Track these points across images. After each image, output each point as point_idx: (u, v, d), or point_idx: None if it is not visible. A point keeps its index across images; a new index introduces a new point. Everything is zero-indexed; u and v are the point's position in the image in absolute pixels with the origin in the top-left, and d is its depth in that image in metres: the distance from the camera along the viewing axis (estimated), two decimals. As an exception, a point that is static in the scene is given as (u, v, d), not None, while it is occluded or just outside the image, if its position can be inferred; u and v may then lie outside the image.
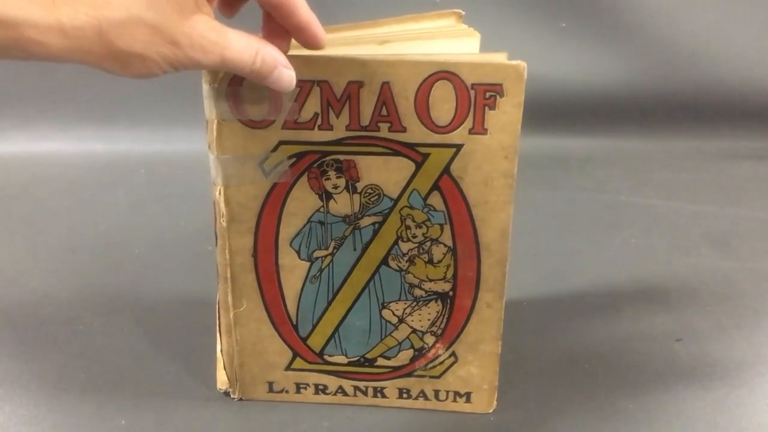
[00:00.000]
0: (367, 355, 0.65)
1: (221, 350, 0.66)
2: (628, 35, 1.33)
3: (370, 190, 0.58)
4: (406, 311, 0.63)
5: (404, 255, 0.60)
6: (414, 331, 0.64)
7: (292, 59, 0.52)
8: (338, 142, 0.56)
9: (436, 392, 0.66)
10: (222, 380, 0.68)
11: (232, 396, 0.68)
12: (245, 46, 0.48)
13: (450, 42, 0.61)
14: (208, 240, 0.64)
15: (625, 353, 0.74)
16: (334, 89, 0.54)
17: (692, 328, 0.79)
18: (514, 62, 0.53)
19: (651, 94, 1.34)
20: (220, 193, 0.59)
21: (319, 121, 0.56)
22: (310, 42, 0.52)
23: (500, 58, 0.53)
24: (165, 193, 1.12)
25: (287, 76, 0.51)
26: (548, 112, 1.29)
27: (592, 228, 1.02)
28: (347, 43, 0.59)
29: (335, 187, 0.58)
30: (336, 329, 0.64)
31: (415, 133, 0.55)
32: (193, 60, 0.46)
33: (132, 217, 1.05)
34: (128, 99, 1.29)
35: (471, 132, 0.55)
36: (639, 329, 0.79)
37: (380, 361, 0.65)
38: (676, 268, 0.91)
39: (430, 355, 0.64)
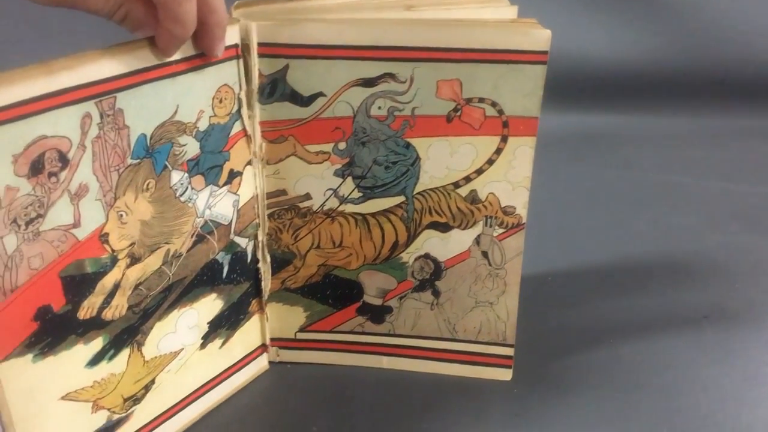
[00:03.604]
0: None
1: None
2: (659, 10, 1.28)
3: None
4: None
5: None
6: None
7: None
8: None
9: None
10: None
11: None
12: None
13: (480, 10, 0.60)
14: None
15: (650, 329, 0.72)
16: None
17: (720, 306, 0.75)
18: None
19: (681, 70, 1.30)
20: None
21: None
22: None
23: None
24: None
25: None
26: (576, 87, 1.25)
27: (619, 205, 0.98)
28: (371, 7, 0.58)
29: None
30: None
31: None
32: None
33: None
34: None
35: None
36: (665, 305, 0.76)
37: None
38: (704, 245, 0.88)
39: None
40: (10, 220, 0.43)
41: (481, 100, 0.57)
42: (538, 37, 0.54)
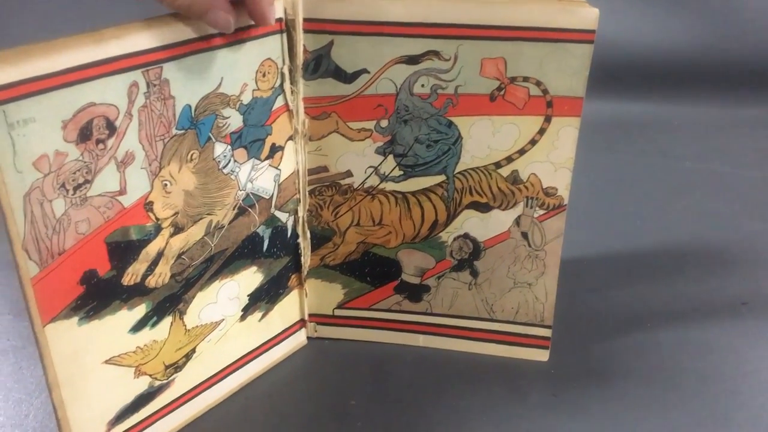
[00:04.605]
0: None
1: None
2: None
3: None
4: None
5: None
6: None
7: None
8: None
9: None
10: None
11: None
12: None
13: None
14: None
15: (688, 313, 0.71)
16: None
17: (758, 293, 0.74)
18: None
19: (718, 59, 1.27)
20: None
21: None
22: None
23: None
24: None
25: (222, 18, 0.48)
26: (612, 74, 1.23)
27: (655, 192, 0.96)
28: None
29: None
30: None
31: None
32: None
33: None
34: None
35: None
36: (703, 291, 0.74)
37: None
38: (741, 233, 0.86)
39: None
40: (58, 185, 0.44)
41: (526, 79, 0.56)
42: (586, 15, 0.53)
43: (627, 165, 1.05)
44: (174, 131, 0.49)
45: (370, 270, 0.66)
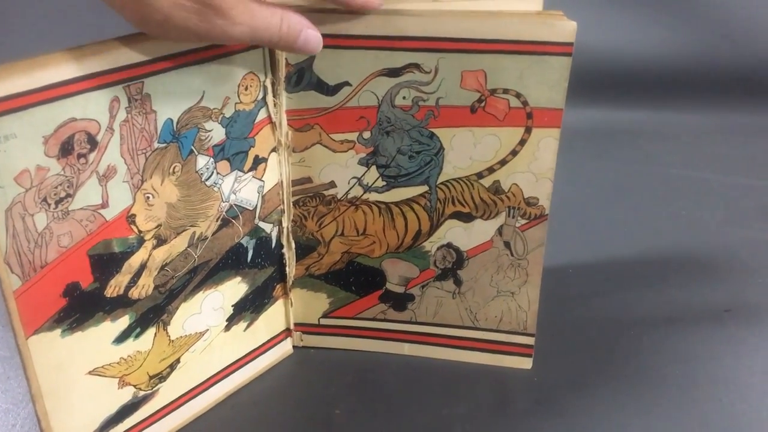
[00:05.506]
0: None
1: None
2: (683, 4, 1.27)
3: None
4: None
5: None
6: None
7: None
8: None
9: None
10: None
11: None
12: (270, 14, 0.46)
13: (506, 1, 0.59)
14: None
15: (671, 321, 0.72)
16: None
17: (742, 300, 0.75)
18: None
19: (705, 66, 1.27)
20: None
21: None
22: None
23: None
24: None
25: (314, 37, 0.49)
26: (598, 82, 1.23)
27: (641, 199, 0.97)
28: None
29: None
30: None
31: None
32: (221, 31, 0.44)
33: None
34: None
35: None
36: (686, 298, 0.75)
37: None
38: (726, 240, 0.86)
39: None
40: (40, 199, 0.45)
41: (506, 91, 0.57)
42: (564, 28, 0.54)
43: (613, 172, 1.06)
44: (156, 145, 0.50)
45: (355, 279, 0.66)
